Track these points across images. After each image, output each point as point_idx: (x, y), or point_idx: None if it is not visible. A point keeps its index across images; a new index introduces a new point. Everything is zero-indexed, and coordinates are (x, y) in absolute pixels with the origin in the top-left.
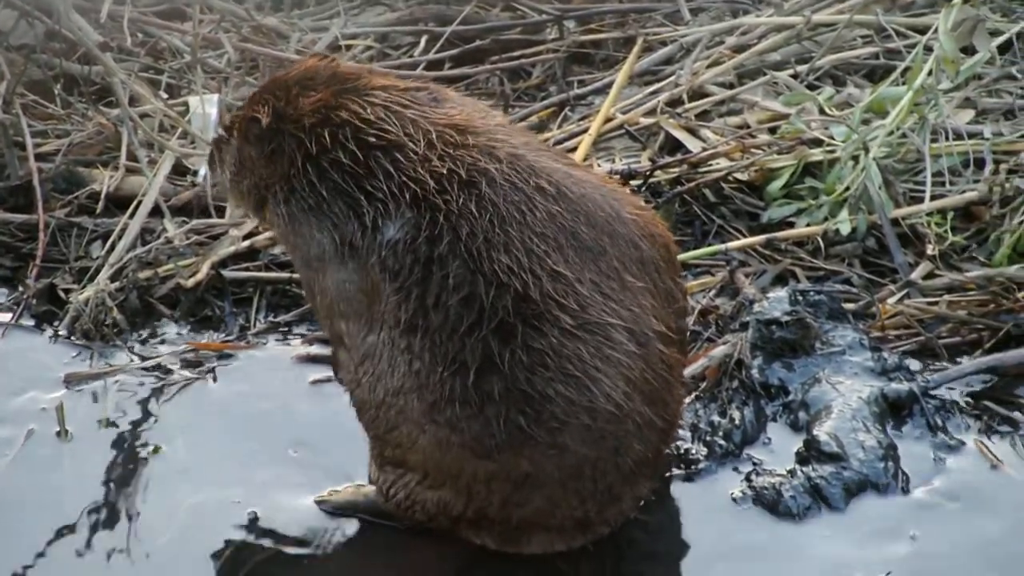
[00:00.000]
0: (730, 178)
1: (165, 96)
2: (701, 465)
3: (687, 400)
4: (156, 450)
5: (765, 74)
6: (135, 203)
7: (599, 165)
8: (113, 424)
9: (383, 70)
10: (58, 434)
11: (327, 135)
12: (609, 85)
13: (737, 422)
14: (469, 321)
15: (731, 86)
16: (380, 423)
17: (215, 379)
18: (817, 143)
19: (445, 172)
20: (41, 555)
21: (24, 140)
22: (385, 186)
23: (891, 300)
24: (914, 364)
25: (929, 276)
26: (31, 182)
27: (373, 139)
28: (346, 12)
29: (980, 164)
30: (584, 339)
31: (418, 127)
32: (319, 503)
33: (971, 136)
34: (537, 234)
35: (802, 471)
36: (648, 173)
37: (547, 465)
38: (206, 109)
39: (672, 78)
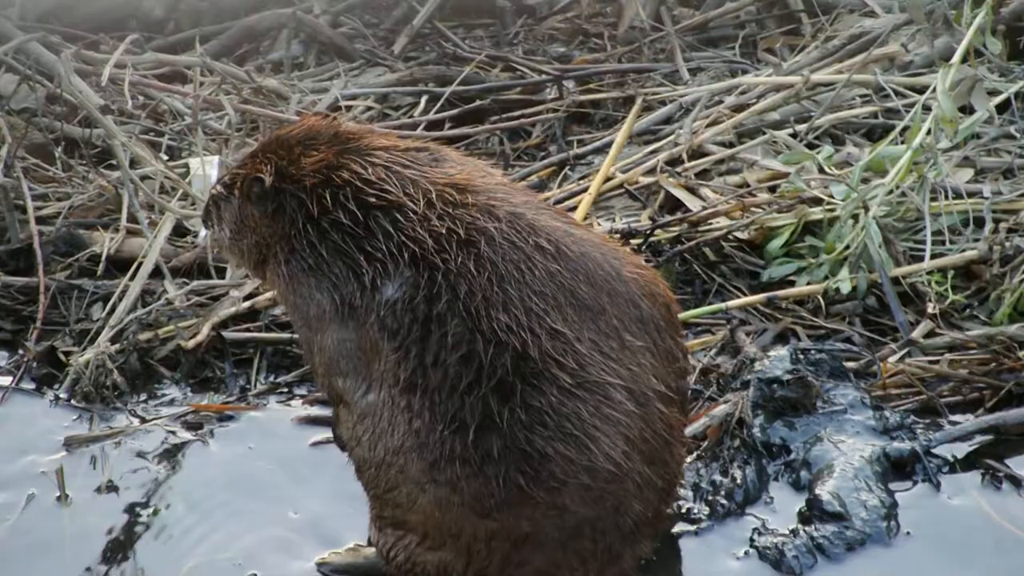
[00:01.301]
0: (730, 237)
1: (166, 158)
2: (703, 524)
3: (688, 459)
4: (156, 512)
5: (764, 133)
6: (135, 265)
7: (599, 224)
8: (113, 487)
9: (384, 130)
10: (58, 498)
11: (328, 196)
12: (609, 144)
13: (739, 481)
14: (468, 379)
15: (730, 145)
16: (380, 482)
17: (215, 441)
18: (817, 202)
19: (444, 231)
20: None
21: (25, 203)
22: (384, 246)
23: (892, 359)
24: (916, 423)
25: (930, 335)
26: (32, 245)
27: (373, 199)
28: (346, 73)
29: (980, 223)
30: (583, 398)
31: (418, 187)
32: (319, 565)
33: (970, 195)
34: (536, 292)
35: (804, 530)
36: (648, 232)
37: (547, 525)
38: (207, 171)
39: (671, 137)
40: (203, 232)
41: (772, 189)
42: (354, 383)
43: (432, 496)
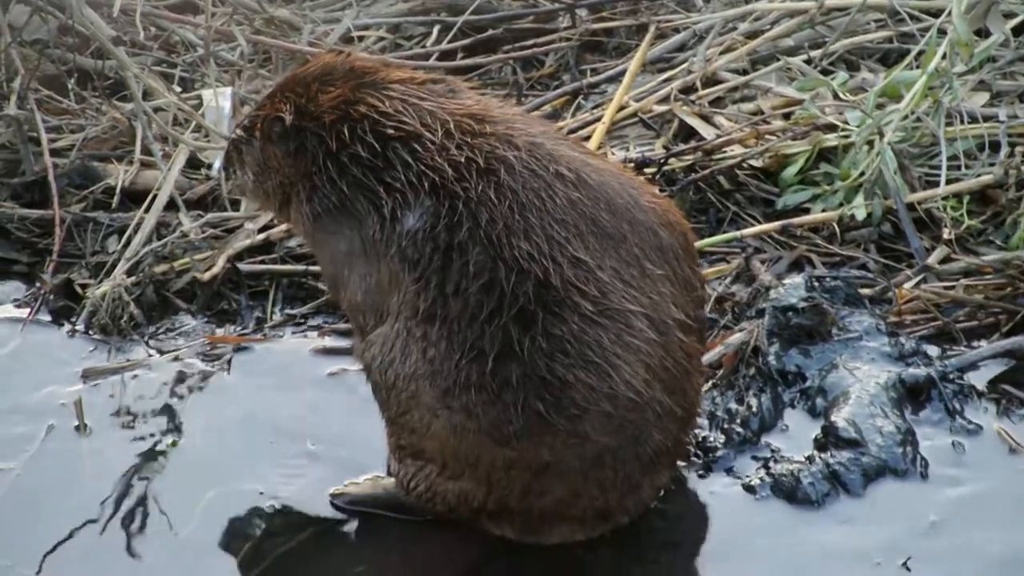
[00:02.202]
0: (744, 165)
1: (178, 90)
2: (719, 453)
3: (704, 388)
4: (174, 443)
5: (779, 60)
6: (150, 197)
7: (613, 153)
8: (131, 418)
9: (399, 63)
10: (77, 429)
11: (346, 130)
12: (622, 73)
13: (754, 409)
14: (489, 308)
15: (744, 72)
16: (392, 405)
17: (233, 372)
18: (831, 128)
19: (463, 160)
20: (61, 549)
21: (39, 135)
22: (403, 176)
23: (908, 285)
24: (931, 349)
25: (945, 260)
26: (46, 177)
27: (391, 131)
28: (358, 3)
29: (995, 147)
30: (604, 326)
31: (435, 117)
32: (338, 496)
33: (986, 119)
34: (557, 220)
35: (820, 457)
36: (662, 161)
37: (567, 454)
38: (220, 102)
39: (685, 65)
40: (217, 164)
41: (786, 116)
42: (376, 317)
43: (446, 422)
